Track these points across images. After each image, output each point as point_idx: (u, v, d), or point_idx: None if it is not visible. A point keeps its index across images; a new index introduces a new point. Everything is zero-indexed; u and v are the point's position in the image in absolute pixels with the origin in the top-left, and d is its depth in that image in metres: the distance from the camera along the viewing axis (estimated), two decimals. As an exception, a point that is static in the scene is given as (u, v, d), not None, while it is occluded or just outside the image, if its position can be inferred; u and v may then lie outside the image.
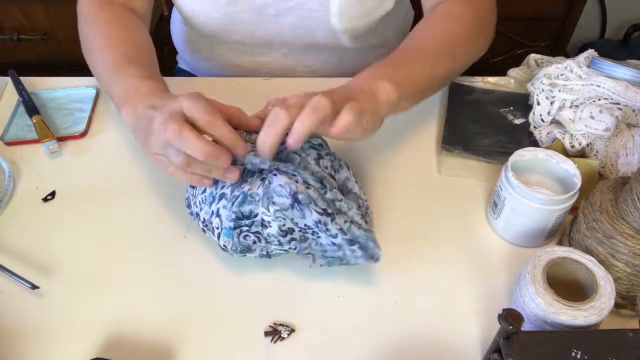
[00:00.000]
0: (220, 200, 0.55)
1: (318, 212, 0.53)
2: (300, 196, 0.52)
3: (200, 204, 0.58)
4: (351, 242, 0.54)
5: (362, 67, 0.90)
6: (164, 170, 0.56)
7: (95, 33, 0.71)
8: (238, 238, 0.55)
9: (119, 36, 0.70)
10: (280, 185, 0.53)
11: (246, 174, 0.56)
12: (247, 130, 0.59)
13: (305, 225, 0.53)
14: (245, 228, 0.54)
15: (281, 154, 0.58)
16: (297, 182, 0.53)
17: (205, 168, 0.54)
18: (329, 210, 0.53)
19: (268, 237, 0.55)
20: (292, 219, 0.53)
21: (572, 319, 0.49)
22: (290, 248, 0.56)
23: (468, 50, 0.73)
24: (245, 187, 0.54)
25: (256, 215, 0.54)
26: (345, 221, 0.54)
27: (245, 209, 0.54)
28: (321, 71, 0.89)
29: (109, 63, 0.67)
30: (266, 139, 0.53)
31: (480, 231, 0.65)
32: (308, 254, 0.57)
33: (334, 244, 0.54)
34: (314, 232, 0.54)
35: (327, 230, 0.53)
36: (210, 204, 0.56)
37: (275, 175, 0.54)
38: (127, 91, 0.62)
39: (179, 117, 0.53)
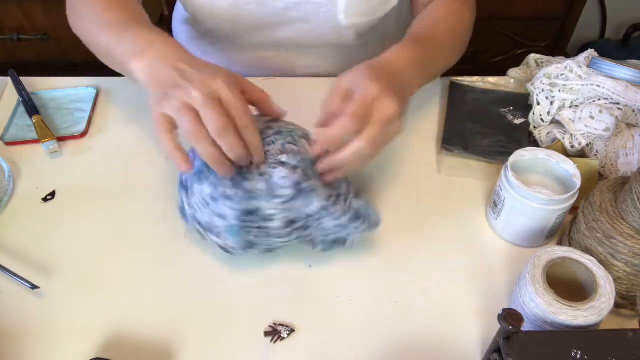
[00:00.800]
0: (224, 200, 0.55)
1: (322, 199, 0.54)
2: (304, 185, 0.54)
3: (197, 208, 0.57)
4: (354, 218, 0.56)
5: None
6: (185, 127, 0.52)
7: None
8: (243, 235, 0.55)
9: (118, 1, 0.68)
10: (283, 176, 0.54)
11: (243, 172, 0.56)
12: (270, 116, 0.59)
13: (308, 214, 0.55)
14: (250, 224, 0.55)
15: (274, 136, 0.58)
16: (296, 173, 0.54)
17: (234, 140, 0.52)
18: (331, 195, 0.55)
19: (271, 231, 0.55)
20: (296, 209, 0.54)
21: (572, 319, 0.49)
22: (291, 239, 0.57)
23: (464, 45, 0.77)
24: (246, 184, 0.54)
25: (260, 210, 0.54)
26: (346, 199, 0.56)
27: (250, 205, 0.54)
28: (322, 68, 0.89)
29: (113, 21, 0.65)
30: (326, 171, 0.55)
31: (480, 231, 0.65)
32: (309, 240, 0.58)
33: (338, 225, 0.56)
34: (317, 218, 0.55)
35: (331, 214, 0.55)
36: (208, 205, 0.56)
37: (274, 168, 0.54)
38: (138, 42, 0.60)
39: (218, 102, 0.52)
